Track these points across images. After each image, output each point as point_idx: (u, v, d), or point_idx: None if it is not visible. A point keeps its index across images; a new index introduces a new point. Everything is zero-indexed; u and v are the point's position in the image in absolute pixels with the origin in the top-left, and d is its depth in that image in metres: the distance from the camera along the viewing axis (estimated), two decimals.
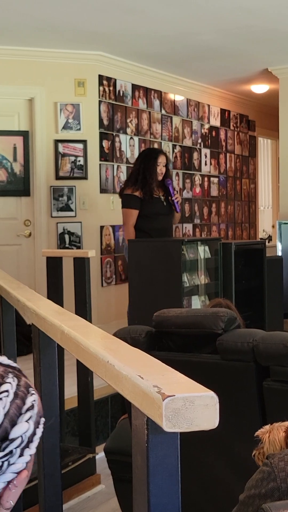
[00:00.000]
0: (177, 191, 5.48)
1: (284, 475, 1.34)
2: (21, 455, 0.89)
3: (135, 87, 7.16)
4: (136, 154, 7.17)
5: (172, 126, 7.77)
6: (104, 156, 6.71)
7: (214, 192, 8.61)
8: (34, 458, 0.95)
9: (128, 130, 7.07)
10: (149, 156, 5.37)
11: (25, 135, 6.39)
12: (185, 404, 0.87)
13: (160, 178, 5.26)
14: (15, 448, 0.88)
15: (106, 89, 6.73)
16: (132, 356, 1.20)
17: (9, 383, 0.90)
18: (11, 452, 0.88)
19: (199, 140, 8.29)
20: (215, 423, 0.88)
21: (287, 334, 2.46)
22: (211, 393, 0.88)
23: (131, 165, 7.08)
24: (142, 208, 5.22)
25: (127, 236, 5.25)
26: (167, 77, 7.54)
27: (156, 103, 7.50)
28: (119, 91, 6.92)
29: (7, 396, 0.89)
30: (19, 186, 6.40)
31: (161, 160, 5.28)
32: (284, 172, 7.50)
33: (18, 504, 2.53)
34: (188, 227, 8.07)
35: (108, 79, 6.76)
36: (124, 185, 5.42)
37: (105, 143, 6.73)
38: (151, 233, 5.26)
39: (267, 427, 1.64)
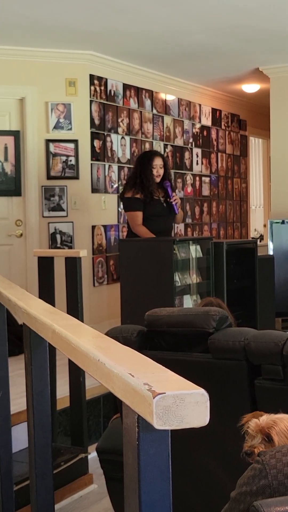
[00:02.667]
0: (176, 193, 5.41)
1: (275, 472, 1.34)
2: None
3: (126, 87, 7.16)
4: (128, 154, 7.17)
5: (163, 126, 7.77)
6: (96, 155, 6.71)
7: (205, 191, 8.62)
8: None
9: (120, 130, 7.07)
10: (144, 159, 5.37)
11: (16, 135, 6.38)
12: (175, 401, 0.87)
13: (158, 180, 5.26)
14: None
15: (97, 88, 6.73)
16: (123, 354, 1.20)
17: None
18: None
19: (191, 140, 8.30)
20: (206, 420, 0.88)
21: (279, 333, 2.47)
22: (202, 391, 0.89)
23: (123, 165, 7.10)
24: (143, 210, 5.23)
25: (142, 235, 5.24)
26: (158, 77, 7.55)
27: (148, 102, 7.50)
28: (110, 91, 6.92)
29: None
30: (10, 186, 6.39)
31: (157, 162, 5.26)
32: (275, 172, 7.52)
33: (10, 504, 2.53)
34: (180, 226, 8.07)
35: (99, 78, 6.76)
36: (124, 188, 5.42)
37: (97, 143, 6.73)
38: (151, 232, 5.29)
39: (261, 422, 1.64)
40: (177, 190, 8.00)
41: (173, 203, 5.28)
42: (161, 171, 5.29)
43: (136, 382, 0.94)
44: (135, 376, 0.96)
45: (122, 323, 4.81)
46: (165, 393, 0.87)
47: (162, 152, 7.74)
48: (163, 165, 5.31)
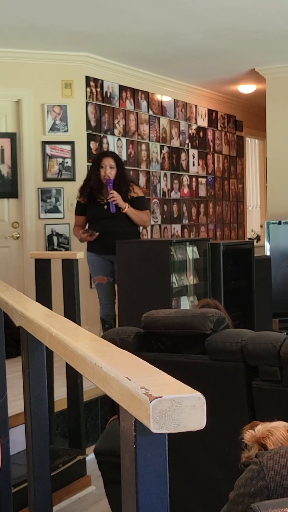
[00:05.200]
0: (114, 192, 5.10)
1: (273, 473, 1.35)
2: None
3: (122, 88, 7.16)
4: (124, 155, 7.18)
5: (159, 127, 7.78)
6: (92, 157, 6.71)
7: (202, 192, 8.63)
8: None
9: (116, 131, 7.07)
10: (94, 159, 5.35)
11: (13, 137, 6.38)
12: (172, 405, 0.87)
13: (105, 180, 5.15)
14: None
15: (93, 90, 6.73)
16: (120, 358, 1.20)
17: None
18: None
19: (187, 141, 8.31)
20: (203, 423, 0.89)
21: (276, 334, 2.47)
22: (198, 394, 0.89)
23: None
24: (86, 213, 5.30)
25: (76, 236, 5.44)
26: (154, 78, 7.55)
27: (144, 104, 7.51)
28: (106, 92, 6.92)
29: None
30: (7, 188, 6.39)
31: (106, 162, 5.16)
32: (271, 172, 7.53)
33: (8, 506, 2.53)
34: (177, 227, 8.08)
35: (95, 80, 6.76)
36: None
37: (93, 144, 6.73)
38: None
39: (256, 433, 1.64)
40: (173, 191, 8.01)
41: (111, 201, 5.08)
42: (111, 171, 5.14)
43: (133, 386, 0.94)
44: (132, 380, 0.96)
45: (119, 324, 4.82)
46: (162, 397, 0.87)
47: (159, 154, 7.74)
48: (116, 165, 5.18)
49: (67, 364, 3.80)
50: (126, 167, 7.15)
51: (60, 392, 4.09)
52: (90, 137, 6.68)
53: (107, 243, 5.12)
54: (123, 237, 5.11)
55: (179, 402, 0.87)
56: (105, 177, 5.14)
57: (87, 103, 6.64)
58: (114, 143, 7.04)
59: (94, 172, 5.21)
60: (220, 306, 3.26)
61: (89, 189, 5.20)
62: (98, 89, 6.80)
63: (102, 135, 6.85)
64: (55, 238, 6.49)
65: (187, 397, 0.88)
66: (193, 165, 8.43)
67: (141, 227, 5.54)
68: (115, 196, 5.08)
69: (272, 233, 6.75)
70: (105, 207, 5.15)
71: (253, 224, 10.67)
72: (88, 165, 6.64)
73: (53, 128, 6.48)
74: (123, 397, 0.97)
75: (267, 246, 6.75)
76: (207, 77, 7.75)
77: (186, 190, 8.28)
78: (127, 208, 5.14)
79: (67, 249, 6.49)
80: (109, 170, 5.15)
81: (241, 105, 9.32)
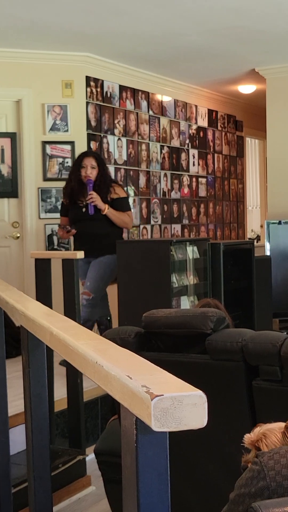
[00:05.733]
0: (93, 193, 5.00)
1: (273, 473, 1.34)
2: None
3: (122, 88, 7.16)
4: (124, 155, 7.18)
5: (159, 127, 7.77)
6: None
7: (202, 192, 8.63)
8: None
9: (116, 131, 7.07)
10: (76, 160, 5.24)
11: (13, 137, 6.38)
12: (173, 403, 0.87)
13: (85, 180, 5.06)
14: None
15: (94, 90, 6.73)
16: (121, 356, 1.20)
17: None
18: None
19: (187, 141, 8.30)
20: (204, 422, 0.88)
21: (276, 334, 2.47)
22: (200, 392, 0.89)
23: (119, 166, 7.10)
24: (68, 214, 5.24)
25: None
26: (154, 78, 7.55)
27: (144, 104, 7.50)
28: (106, 92, 6.92)
29: None
30: (7, 188, 6.39)
31: (87, 162, 5.06)
32: (271, 172, 7.52)
33: (8, 507, 2.53)
34: (177, 227, 8.08)
35: (96, 80, 6.76)
36: None
37: (93, 144, 6.73)
38: (74, 238, 5.25)
39: (252, 436, 1.64)
40: (173, 191, 8.01)
41: (89, 202, 4.97)
42: (92, 171, 5.04)
43: (134, 384, 0.94)
44: (133, 378, 0.96)
45: (120, 324, 4.81)
46: (163, 395, 0.87)
47: (159, 154, 7.74)
48: (97, 165, 5.08)
49: (67, 364, 3.80)
50: (127, 167, 7.17)
51: (60, 392, 4.08)
52: (90, 137, 6.68)
53: (88, 246, 4.98)
54: (104, 239, 5.00)
55: (180, 400, 0.87)
56: (86, 177, 5.04)
57: (87, 103, 6.64)
58: (114, 143, 7.04)
59: (75, 173, 5.12)
60: (220, 305, 3.26)
61: (70, 189, 5.12)
62: (98, 89, 6.80)
63: (102, 135, 6.85)
64: (55, 238, 6.49)
65: (188, 395, 0.88)
66: (193, 165, 8.43)
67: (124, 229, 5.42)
68: (94, 197, 4.96)
69: (272, 233, 6.74)
70: (84, 209, 5.03)
71: (253, 224, 10.67)
72: None
73: (53, 128, 6.48)
74: (124, 396, 0.96)
75: (267, 246, 6.75)
76: (207, 77, 7.75)
77: (186, 190, 8.28)
78: (106, 210, 5.01)
79: (67, 249, 6.48)
80: (90, 170, 5.04)
81: (241, 105, 9.32)
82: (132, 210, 5.28)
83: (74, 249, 5.23)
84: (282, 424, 1.63)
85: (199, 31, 5.87)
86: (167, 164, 7.89)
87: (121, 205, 5.15)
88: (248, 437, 1.65)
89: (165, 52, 6.57)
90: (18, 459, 3.50)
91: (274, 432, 1.61)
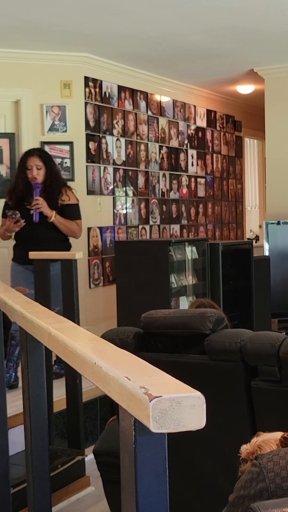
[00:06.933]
0: (39, 198, 4.57)
1: (273, 475, 1.34)
2: None
3: (121, 89, 7.16)
4: (123, 156, 7.17)
5: (158, 127, 7.78)
6: (91, 157, 6.71)
7: (201, 192, 8.63)
8: None
9: (115, 132, 7.07)
10: (21, 159, 4.75)
11: (11, 137, 6.37)
12: (172, 404, 0.87)
13: (34, 181, 4.61)
14: None
15: (92, 90, 6.73)
16: (120, 357, 1.20)
17: None
18: None
19: (186, 141, 8.30)
20: (202, 423, 0.88)
21: (275, 334, 2.47)
22: (198, 394, 0.89)
23: (118, 167, 7.10)
24: None
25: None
26: (153, 78, 7.55)
27: (142, 104, 7.50)
28: (105, 93, 6.92)
29: None
30: (5, 189, 6.37)
31: (31, 162, 4.61)
32: (270, 172, 7.53)
33: (7, 507, 2.53)
34: (176, 227, 8.08)
35: (94, 80, 6.76)
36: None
37: (92, 145, 6.73)
38: (17, 241, 4.80)
39: (249, 447, 1.64)
40: (172, 191, 8.01)
41: (34, 208, 4.53)
42: (38, 172, 4.60)
43: (133, 385, 0.94)
44: (132, 379, 0.96)
45: (118, 325, 4.82)
46: (161, 396, 0.87)
47: (157, 154, 7.73)
48: (43, 164, 4.62)
49: (66, 364, 3.80)
50: (126, 167, 7.17)
51: (59, 392, 4.08)
52: (89, 138, 6.68)
53: (32, 251, 4.48)
54: (49, 247, 4.50)
55: (178, 401, 0.87)
56: (32, 179, 4.60)
57: (86, 104, 6.64)
58: (113, 143, 7.04)
59: (21, 175, 4.66)
60: (215, 305, 3.26)
61: (20, 192, 4.65)
62: (97, 90, 6.80)
63: (101, 136, 6.85)
64: None
65: (187, 397, 0.88)
66: (192, 165, 8.43)
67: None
68: (40, 204, 4.52)
69: (271, 233, 6.75)
70: (31, 211, 4.58)
71: (252, 224, 10.67)
72: (87, 166, 6.64)
73: (52, 129, 6.48)
74: (123, 397, 0.96)
75: (266, 246, 6.75)
76: (206, 77, 7.75)
77: (185, 190, 8.28)
78: (53, 218, 4.58)
79: None
80: (36, 172, 4.59)
81: (240, 105, 9.32)
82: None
83: (15, 254, 4.79)
84: (278, 435, 1.63)
85: (197, 31, 5.87)
86: (166, 164, 7.89)
87: (70, 212, 4.72)
88: (244, 448, 1.65)
89: (164, 52, 6.57)
90: (17, 459, 3.50)
91: (269, 444, 1.61)
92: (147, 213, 7.55)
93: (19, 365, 4.30)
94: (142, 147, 7.48)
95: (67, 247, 4.78)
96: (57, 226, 4.63)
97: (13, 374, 4.40)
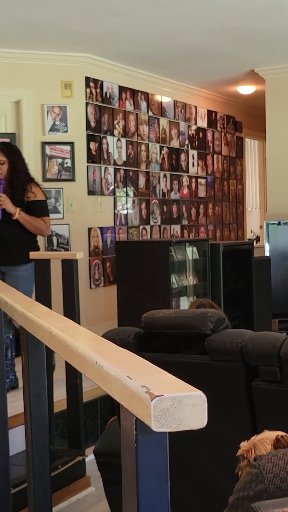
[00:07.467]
0: (3, 194, 4.31)
1: (272, 476, 1.34)
2: None
3: (122, 89, 7.16)
4: (124, 156, 7.17)
5: (159, 128, 7.78)
6: (92, 158, 6.71)
7: (201, 193, 8.63)
8: None
9: (116, 132, 7.07)
10: None
11: (12, 138, 6.37)
12: (173, 403, 0.86)
13: None
14: None
15: (93, 91, 6.73)
16: (121, 357, 1.20)
17: None
18: None
19: (186, 142, 8.30)
20: (204, 422, 0.88)
21: (276, 334, 2.47)
22: (200, 393, 0.89)
23: (119, 167, 7.10)
24: None
25: None
26: (154, 79, 7.55)
27: (143, 104, 7.50)
28: (106, 93, 6.92)
29: None
30: None
31: None
32: (271, 173, 7.53)
33: (7, 507, 2.52)
34: (176, 228, 8.08)
35: (95, 81, 6.76)
36: None
37: (93, 145, 6.73)
38: None
39: (246, 444, 1.64)
40: (173, 192, 8.00)
41: None
42: (2, 167, 4.37)
43: (134, 384, 0.94)
44: (133, 378, 0.96)
45: (119, 325, 4.82)
46: (163, 395, 0.87)
47: (158, 154, 7.73)
48: (6, 159, 4.39)
49: (66, 365, 3.80)
50: (126, 168, 7.16)
51: (60, 392, 4.08)
52: (89, 138, 6.68)
53: None
54: (15, 246, 4.35)
55: (180, 400, 0.87)
56: (3, 176, 4.37)
57: (86, 104, 6.64)
58: (114, 143, 7.04)
59: None
60: (215, 304, 3.26)
61: None
62: (98, 90, 6.80)
63: (101, 136, 6.85)
64: (54, 239, 6.49)
65: (188, 396, 0.87)
66: (193, 165, 8.43)
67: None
68: (2, 200, 4.27)
69: (271, 234, 6.75)
70: None
71: (253, 224, 10.67)
72: (87, 166, 6.64)
73: (53, 129, 6.48)
74: (124, 396, 0.96)
75: (267, 246, 6.75)
76: (207, 78, 7.75)
77: (185, 191, 8.28)
78: (17, 215, 4.31)
79: (66, 250, 6.48)
80: (1, 167, 4.37)
81: (241, 106, 9.33)
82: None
83: None
84: (272, 436, 1.63)
85: (198, 31, 5.87)
86: (167, 164, 7.89)
87: (36, 209, 4.44)
88: (243, 445, 1.65)
89: (165, 52, 6.57)
90: (17, 459, 3.50)
91: (264, 443, 1.61)
92: (147, 213, 7.55)
93: (15, 365, 4.26)
94: (143, 147, 7.48)
95: (35, 246, 4.52)
96: (22, 224, 4.38)
97: (13, 377, 4.37)
